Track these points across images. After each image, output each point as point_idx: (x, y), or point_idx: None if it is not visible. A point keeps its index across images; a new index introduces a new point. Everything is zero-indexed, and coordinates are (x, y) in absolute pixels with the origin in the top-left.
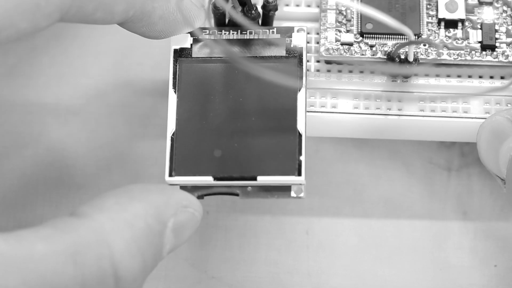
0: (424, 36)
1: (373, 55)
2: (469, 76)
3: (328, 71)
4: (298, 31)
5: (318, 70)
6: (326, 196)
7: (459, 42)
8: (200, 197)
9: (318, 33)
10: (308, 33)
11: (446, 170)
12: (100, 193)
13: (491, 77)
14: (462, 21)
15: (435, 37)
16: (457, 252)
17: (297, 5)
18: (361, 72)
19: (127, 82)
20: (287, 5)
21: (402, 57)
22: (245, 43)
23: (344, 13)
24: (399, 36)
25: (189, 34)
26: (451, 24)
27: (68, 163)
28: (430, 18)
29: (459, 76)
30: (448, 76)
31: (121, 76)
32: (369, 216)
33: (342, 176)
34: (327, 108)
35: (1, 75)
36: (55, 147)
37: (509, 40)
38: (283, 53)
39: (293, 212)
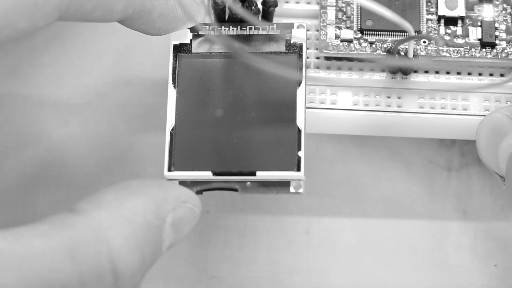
0: (424, 33)
1: (373, 51)
2: (469, 73)
3: (328, 68)
4: (298, 27)
5: (317, 67)
6: (326, 195)
7: (459, 39)
8: (199, 192)
9: (317, 30)
10: (308, 30)
11: (446, 170)
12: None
13: (491, 74)
14: (462, 18)
15: (435, 35)
16: (457, 252)
17: (297, 2)
18: (361, 69)
19: (127, 82)
20: (287, 1)
21: (402, 53)
22: (245, 39)
23: (344, 10)
24: (398, 33)
25: (188, 30)
26: (451, 21)
27: (68, 163)
28: (430, 15)
29: (458, 73)
30: (448, 73)
31: (121, 76)
32: (369, 215)
33: (342, 175)
34: (326, 105)
35: (1, 75)
36: (55, 147)
37: (509, 37)
38: (282, 49)
39: (293, 211)
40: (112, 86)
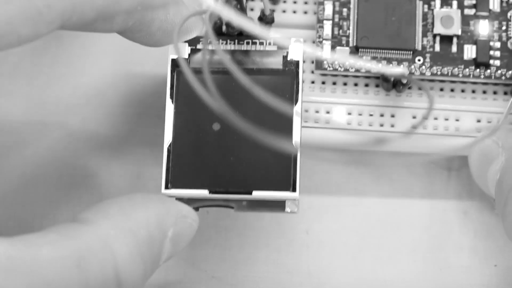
0: (419, 49)
1: (368, 71)
2: (462, 91)
3: (323, 82)
4: (294, 42)
5: (313, 82)
6: (326, 195)
7: (452, 56)
8: (195, 209)
9: (314, 41)
10: (304, 40)
11: (446, 170)
12: (100, 193)
13: (484, 92)
14: (458, 36)
15: (430, 51)
16: (457, 252)
17: (294, 12)
18: (356, 84)
19: (127, 82)
20: (284, 11)
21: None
22: (241, 55)
23: (340, 24)
24: (393, 51)
25: (187, 44)
26: (446, 38)
27: (68, 163)
28: (425, 32)
29: (452, 90)
30: (442, 89)
31: (121, 76)
32: (369, 215)
33: (342, 175)
34: (320, 124)
35: (1, 74)
36: (55, 147)
37: (504, 57)
38: (279, 65)
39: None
40: (112, 86)
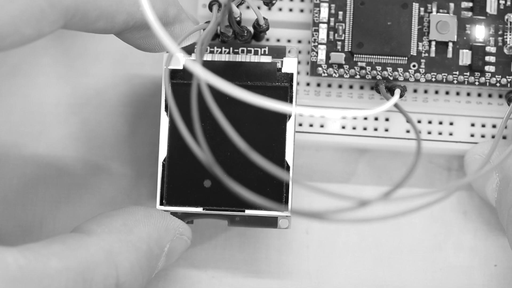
0: (414, 55)
1: (363, 77)
2: (457, 93)
3: (318, 85)
4: (289, 51)
5: (308, 84)
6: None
7: (447, 62)
8: (190, 221)
9: (309, 42)
10: (299, 42)
11: (446, 170)
12: (100, 193)
13: (479, 95)
14: (453, 42)
15: (426, 56)
16: (457, 252)
17: (290, 10)
18: (351, 86)
19: (127, 82)
20: (280, 9)
21: (389, 85)
22: (235, 68)
23: (336, 27)
24: (388, 57)
25: (182, 55)
26: (441, 44)
27: (68, 163)
28: (421, 37)
29: (447, 93)
30: (436, 92)
31: (121, 76)
32: (369, 216)
33: (342, 176)
34: (315, 128)
35: (1, 75)
36: (55, 147)
37: (500, 63)
38: (274, 79)
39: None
40: (112, 86)
